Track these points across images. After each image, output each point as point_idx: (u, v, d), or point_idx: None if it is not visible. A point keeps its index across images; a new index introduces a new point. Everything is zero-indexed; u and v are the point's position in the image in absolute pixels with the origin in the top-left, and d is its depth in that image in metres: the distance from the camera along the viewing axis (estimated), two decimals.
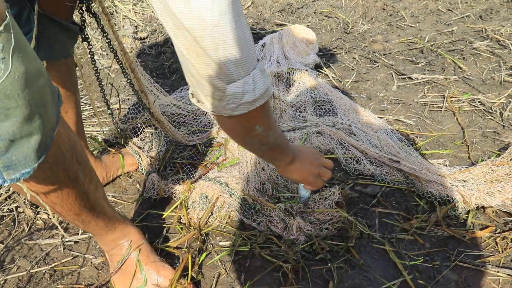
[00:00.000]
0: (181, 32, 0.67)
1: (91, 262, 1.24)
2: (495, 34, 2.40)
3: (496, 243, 1.15)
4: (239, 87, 0.74)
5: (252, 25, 2.83)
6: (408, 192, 1.37)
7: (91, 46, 1.30)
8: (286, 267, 1.12)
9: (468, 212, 1.26)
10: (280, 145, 1.00)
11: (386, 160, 1.45)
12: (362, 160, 1.48)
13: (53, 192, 0.80)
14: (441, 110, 1.81)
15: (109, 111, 1.53)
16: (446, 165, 1.46)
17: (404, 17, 2.81)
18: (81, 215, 0.92)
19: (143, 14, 3.05)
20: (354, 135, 1.62)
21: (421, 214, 1.27)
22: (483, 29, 2.48)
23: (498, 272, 1.07)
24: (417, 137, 1.65)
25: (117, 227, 1.07)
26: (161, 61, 2.41)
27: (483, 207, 1.26)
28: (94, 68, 1.36)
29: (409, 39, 2.50)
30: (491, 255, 1.12)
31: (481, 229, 1.20)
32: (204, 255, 1.20)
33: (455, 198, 1.26)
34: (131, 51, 2.50)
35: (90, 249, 1.28)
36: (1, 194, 1.49)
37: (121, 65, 1.38)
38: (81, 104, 2.08)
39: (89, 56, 1.37)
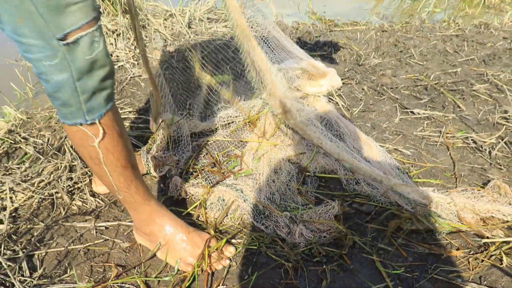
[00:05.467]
0: None
1: (120, 246, 1.44)
2: (495, 78, 2.60)
3: (469, 262, 1.34)
4: None
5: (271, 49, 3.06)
6: (397, 212, 1.56)
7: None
8: (287, 265, 1.32)
9: (449, 233, 1.45)
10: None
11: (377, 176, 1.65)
12: (361, 182, 1.68)
13: (108, 138, 1.07)
14: (436, 144, 2.01)
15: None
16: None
17: (413, 54, 3.03)
18: (126, 169, 1.17)
19: (172, 29, 3.29)
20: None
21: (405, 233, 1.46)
22: (485, 73, 2.69)
23: (466, 286, 1.26)
24: (412, 166, 1.85)
25: (152, 199, 1.30)
26: (187, 75, 2.63)
27: (459, 230, 1.45)
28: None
29: (415, 76, 2.71)
30: (463, 271, 1.32)
31: (457, 249, 1.39)
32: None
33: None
34: (160, 64, 2.73)
35: (119, 235, 1.49)
36: (43, 180, 1.70)
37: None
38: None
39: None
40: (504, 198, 1.55)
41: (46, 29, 0.86)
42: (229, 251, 1.37)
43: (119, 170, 1.15)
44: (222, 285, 1.29)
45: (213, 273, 1.33)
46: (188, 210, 1.56)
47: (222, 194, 1.55)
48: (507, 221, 1.44)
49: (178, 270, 1.32)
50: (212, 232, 1.43)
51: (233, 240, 1.45)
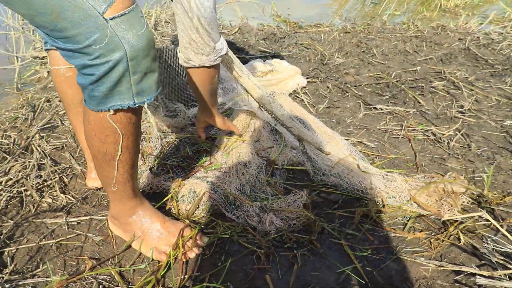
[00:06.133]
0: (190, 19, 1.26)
1: (93, 239, 1.44)
2: (451, 76, 2.73)
3: (431, 242, 1.42)
4: (221, 44, 1.37)
5: (238, 50, 3.11)
6: (363, 200, 1.62)
7: None
8: (259, 252, 1.36)
9: (409, 218, 1.53)
10: (216, 92, 1.62)
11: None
12: (328, 172, 1.74)
13: (132, 135, 1.09)
14: (398, 137, 2.10)
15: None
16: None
17: (375, 54, 3.14)
18: (133, 167, 1.19)
19: None
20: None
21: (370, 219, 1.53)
22: (442, 71, 2.82)
23: (428, 263, 1.33)
24: (376, 157, 1.93)
25: (138, 193, 1.32)
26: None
27: (421, 215, 1.53)
28: None
29: (377, 74, 2.81)
30: (425, 251, 1.39)
31: (420, 231, 1.47)
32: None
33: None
34: None
35: (91, 229, 1.49)
36: (11, 178, 1.68)
37: None
38: None
39: None
40: (459, 188, 1.64)
41: (88, 8, 0.85)
42: (203, 241, 1.40)
43: (127, 168, 1.17)
44: (196, 272, 1.31)
45: (187, 261, 1.35)
46: (160, 203, 1.57)
47: (193, 186, 1.58)
48: (463, 202, 1.54)
49: (153, 259, 1.34)
50: (187, 221, 1.45)
51: (205, 230, 1.47)
